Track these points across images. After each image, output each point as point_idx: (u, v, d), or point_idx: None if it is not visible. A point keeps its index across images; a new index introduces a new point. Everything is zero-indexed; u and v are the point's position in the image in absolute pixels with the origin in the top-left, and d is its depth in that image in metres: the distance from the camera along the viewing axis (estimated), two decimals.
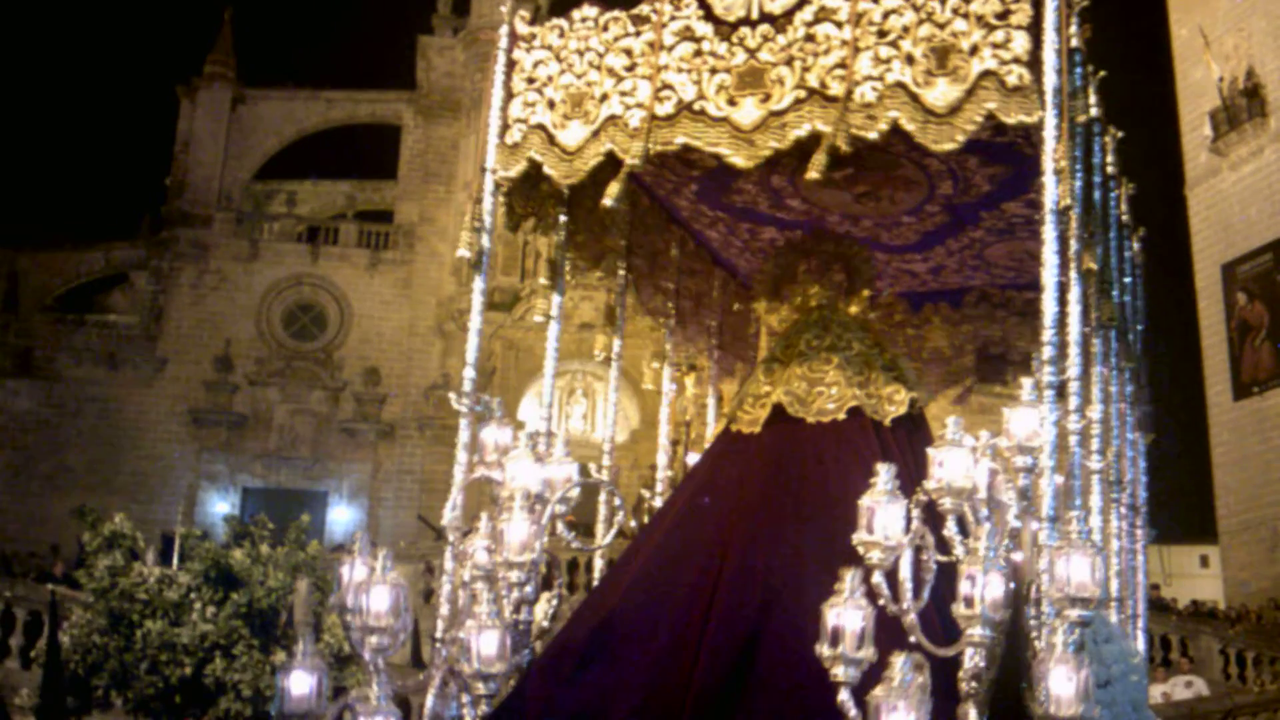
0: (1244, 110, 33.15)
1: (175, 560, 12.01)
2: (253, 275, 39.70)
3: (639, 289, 8.13)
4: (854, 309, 7.48)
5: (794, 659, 5.58)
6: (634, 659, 6.13)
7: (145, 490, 36.54)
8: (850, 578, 4.67)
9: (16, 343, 37.95)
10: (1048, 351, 5.32)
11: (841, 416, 6.90)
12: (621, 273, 7.94)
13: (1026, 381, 5.42)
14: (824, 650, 4.64)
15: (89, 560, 11.77)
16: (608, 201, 6.31)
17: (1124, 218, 7.56)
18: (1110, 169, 6.90)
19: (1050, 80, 5.44)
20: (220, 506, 36.49)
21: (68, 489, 34.40)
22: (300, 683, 5.03)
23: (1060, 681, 4.60)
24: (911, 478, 5.83)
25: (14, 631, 15.84)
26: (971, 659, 4.84)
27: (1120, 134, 7.03)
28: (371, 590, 5.14)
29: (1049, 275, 5.37)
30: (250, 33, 43.81)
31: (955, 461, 5.09)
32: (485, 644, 5.21)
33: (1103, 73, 6.35)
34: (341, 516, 38.11)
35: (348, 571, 5.39)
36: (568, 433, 38.81)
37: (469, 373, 6.68)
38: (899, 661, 4.45)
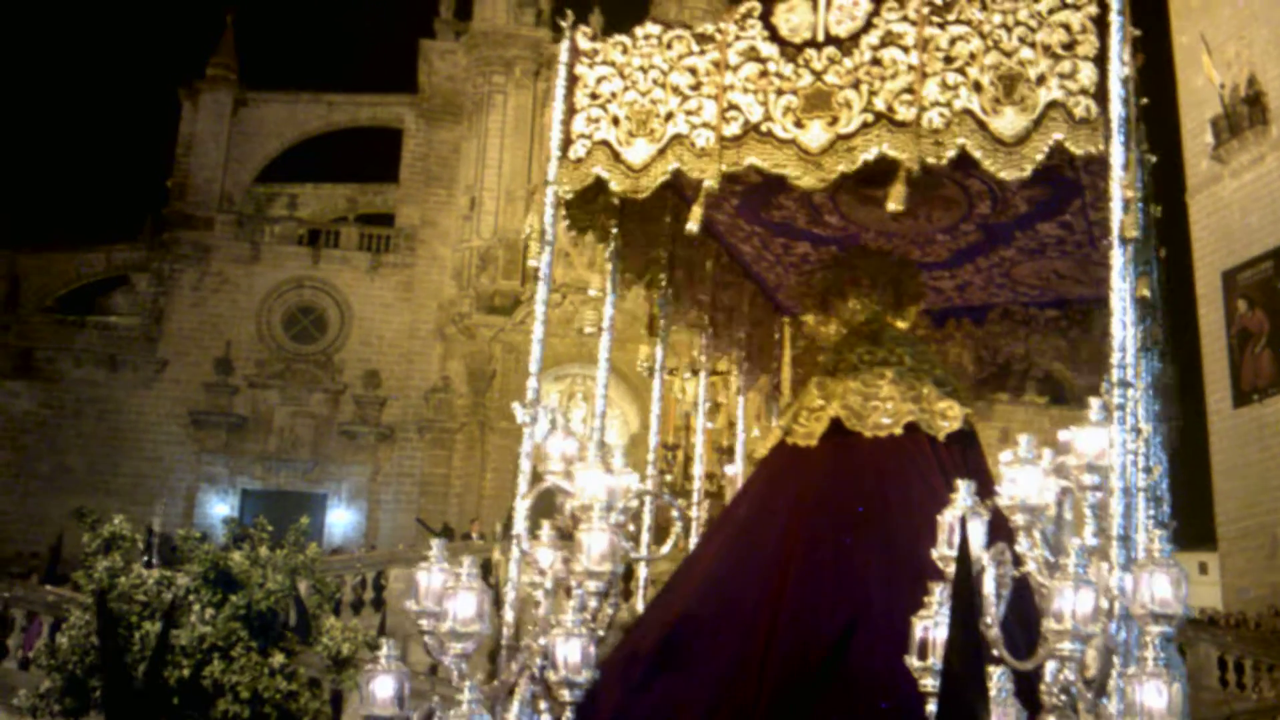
0: (1245, 118, 33.17)
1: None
2: (253, 278, 39.74)
3: (678, 300, 8.21)
4: (902, 324, 7.58)
5: (862, 670, 5.75)
6: (703, 669, 6.20)
7: (144, 492, 36.51)
8: (939, 592, 4.77)
9: (17, 344, 37.94)
10: (1116, 374, 5.37)
11: (899, 431, 7.00)
12: (664, 283, 8.02)
13: (1095, 402, 5.43)
14: (913, 662, 4.74)
15: (87, 561, 11.77)
16: (692, 226, 6.36)
17: (1154, 240, 7.64)
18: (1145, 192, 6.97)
19: (1116, 110, 5.50)
20: (220, 508, 36.49)
21: (67, 490, 34.38)
22: (384, 686, 5.08)
23: (1152, 696, 4.65)
24: None
25: (11, 632, 15.86)
26: (1059, 672, 4.87)
27: (1154, 158, 7.08)
28: (458, 596, 5.27)
29: (1117, 301, 5.43)
30: (252, 36, 43.86)
31: (1027, 478, 5.14)
32: (571, 651, 5.24)
33: (1145, 100, 6.39)
34: (341, 519, 38.14)
35: (425, 579, 5.48)
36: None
37: (532, 383, 6.66)
38: (995, 674, 4.54)
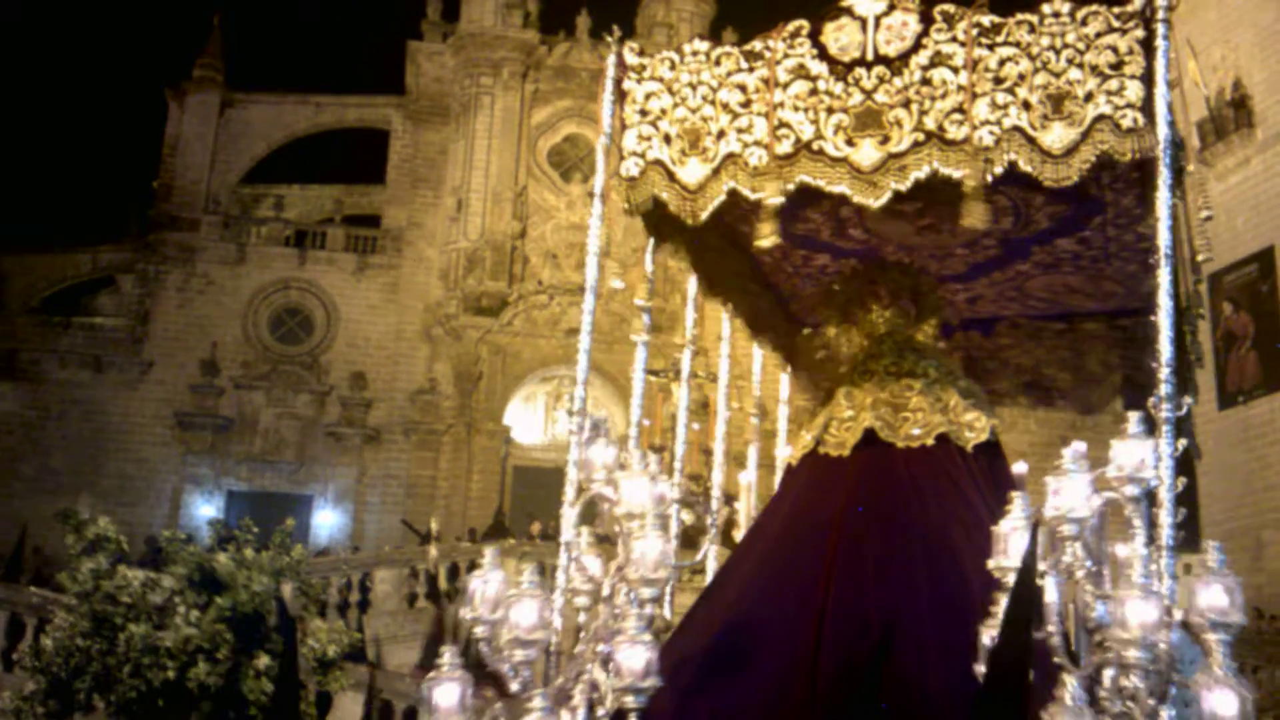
0: (1231, 121, 33.25)
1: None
2: (239, 279, 39.64)
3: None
4: (922, 337, 7.70)
5: (909, 676, 5.85)
6: (755, 674, 6.28)
7: (130, 493, 36.43)
8: (1004, 601, 4.82)
9: (1, 345, 37.80)
10: (1166, 388, 5.48)
11: (930, 442, 7.11)
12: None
13: (1134, 415, 5.50)
14: (981, 670, 4.79)
15: (72, 563, 11.74)
16: (762, 243, 6.43)
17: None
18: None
19: (1162, 130, 5.64)
20: (205, 510, 36.38)
21: (52, 491, 34.25)
22: (448, 694, 5.07)
23: (1222, 703, 4.72)
24: (996, 504, 6.08)
25: None
26: (1120, 679, 4.91)
27: (1192, 168, 7.20)
28: (521, 603, 5.29)
29: (1164, 316, 5.55)
30: (239, 37, 43.76)
31: (1072, 489, 5.21)
32: (634, 659, 5.22)
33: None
34: (326, 520, 38.07)
35: (480, 585, 5.50)
36: (554, 438, 38.92)
37: (579, 391, 6.68)
38: (1070, 681, 4.62)
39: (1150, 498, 7.58)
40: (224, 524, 14.69)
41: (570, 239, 39.30)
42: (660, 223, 7.20)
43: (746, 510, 8.50)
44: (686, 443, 8.41)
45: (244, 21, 47.79)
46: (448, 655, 5.26)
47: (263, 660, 11.14)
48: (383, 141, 42.50)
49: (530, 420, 39.09)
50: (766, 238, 6.34)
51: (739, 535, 8.31)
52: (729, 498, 8.68)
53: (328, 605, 19.65)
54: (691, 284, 8.08)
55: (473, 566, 22.63)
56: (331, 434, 38.63)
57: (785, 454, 8.14)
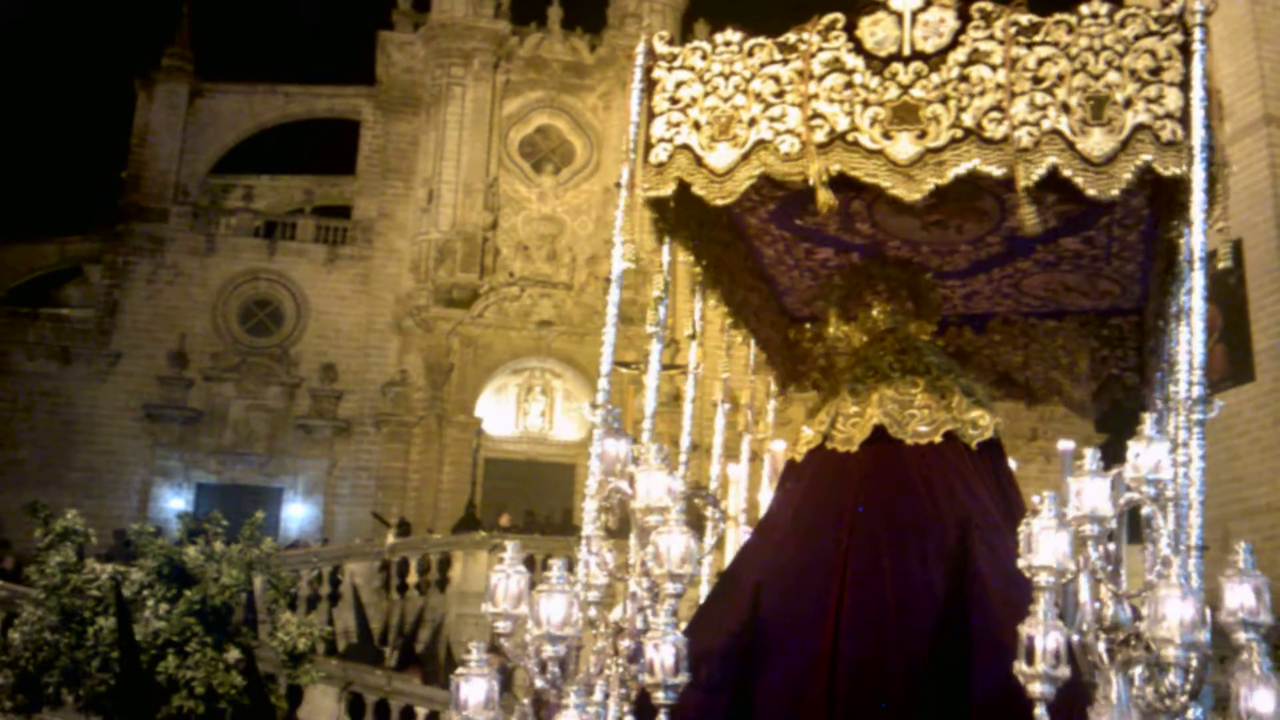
0: None
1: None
2: (209, 270, 39.48)
3: (708, 300, 8.27)
4: (922, 335, 7.72)
5: (932, 671, 5.85)
6: (772, 674, 6.29)
7: (98, 486, 36.26)
8: (1044, 599, 4.84)
9: None
10: (1198, 391, 5.50)
11: (938, 440, 7.11)
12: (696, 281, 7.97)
13: (1149, 417, 5.56)
14: (1022, 667, 4.78)
15: (39, 556, 11.68)
16: (823, 209, 6.34)
17: None
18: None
19: (1199, 135, 5.69)
20: (174, 503, 36.24)
21: (19, 484, 34.06)
22: (476, 689, 5.04)
23: (1263, 701, 4.75)
24: (1001, 503, 6.03)
25: None
26: (1162, 678, 4.92)
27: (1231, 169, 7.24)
28: (551, 598, 5.26)
29: (1198, 321, 5.59)
30: (209, 27, 43.52)
31: (1094, 491, 5.23)
32: (665, 655, 5.22)
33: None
34: (297, 513, 37.99)
35: (503, 581, 5.46)
36: (525, 430, 38.91)
37: (603, 383, 6.61)
38: (1116, 680, 4.66)
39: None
40: (193, 517, 14.64)
41: (541, 230, 39.29)
42: (671, 214, 7.16)
43: (736, 504, 8.49)
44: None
45: (213, 11, 47.55)
46: (475, 651, 5.24)
47: (233, 653, 11.12)
48: (353, 132, 42.38)
49: (501, 412, 39.04)
50: (823, 205, 6.27)
51: (730, 529, 8.29)
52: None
53: (298, 598, 19.58)
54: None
55: (444, 560, 22.59)
56: (302, 426, 38.53)
57: (780, 448, 8.12)
